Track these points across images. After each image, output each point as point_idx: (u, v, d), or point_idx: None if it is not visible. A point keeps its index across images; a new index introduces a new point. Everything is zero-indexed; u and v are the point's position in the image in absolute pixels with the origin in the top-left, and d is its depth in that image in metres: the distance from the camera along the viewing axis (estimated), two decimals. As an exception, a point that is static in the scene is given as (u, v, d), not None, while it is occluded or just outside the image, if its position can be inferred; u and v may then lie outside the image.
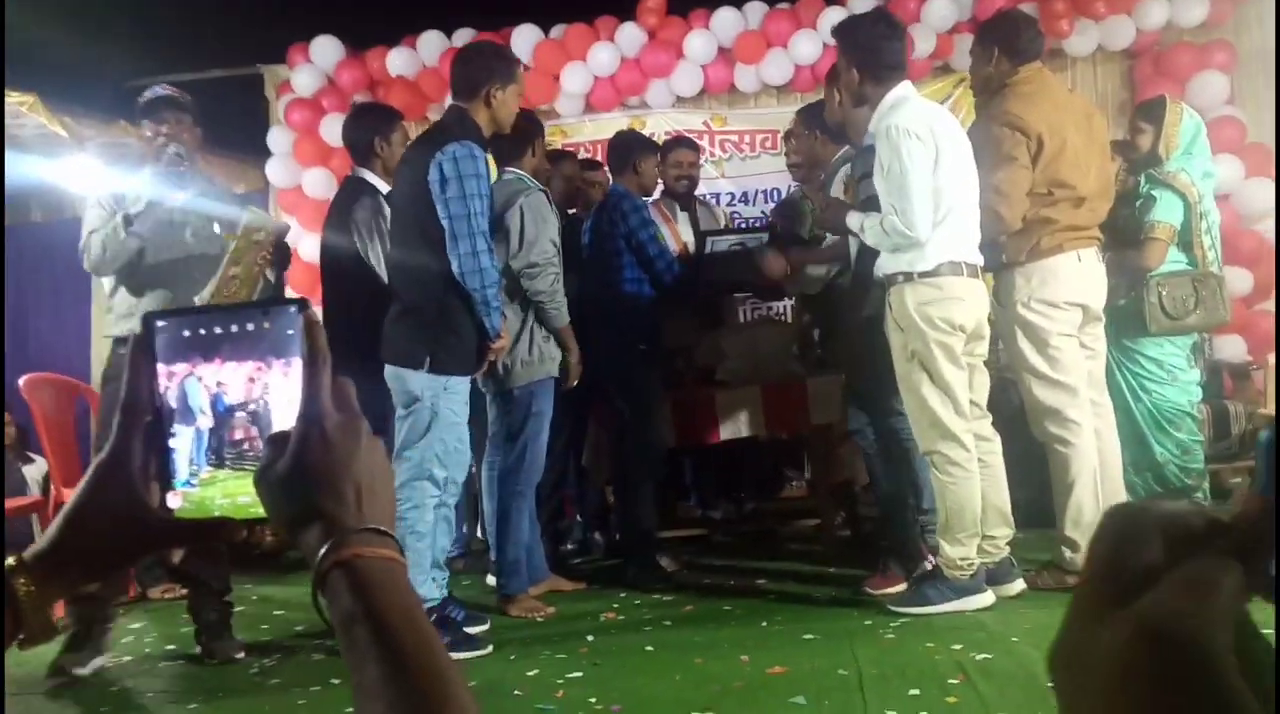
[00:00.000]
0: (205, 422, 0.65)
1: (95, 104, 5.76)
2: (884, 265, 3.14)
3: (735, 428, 4.23)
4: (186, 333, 0.65)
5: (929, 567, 3.21)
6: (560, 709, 2.50)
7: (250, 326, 0.64)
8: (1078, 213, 3.30)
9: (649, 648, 3.01)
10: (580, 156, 5.03)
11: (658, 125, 6.11)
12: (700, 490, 5.30)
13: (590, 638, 3.17)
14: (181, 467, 0.65)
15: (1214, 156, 4.34)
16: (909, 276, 3.05)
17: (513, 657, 3.04)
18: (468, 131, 3.14)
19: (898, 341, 3.11)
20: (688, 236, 4.56)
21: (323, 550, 0.56)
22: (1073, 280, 3.28)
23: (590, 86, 6.12)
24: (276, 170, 6.44)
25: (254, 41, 6.50)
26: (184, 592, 4.33)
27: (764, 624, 3.17)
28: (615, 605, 3.59)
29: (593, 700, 2.53)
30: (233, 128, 6.90)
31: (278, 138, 6.43)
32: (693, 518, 5.20)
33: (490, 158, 3.37)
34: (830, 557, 4.04)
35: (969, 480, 3.04)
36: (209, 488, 0.65)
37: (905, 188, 2.99)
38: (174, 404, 0.65)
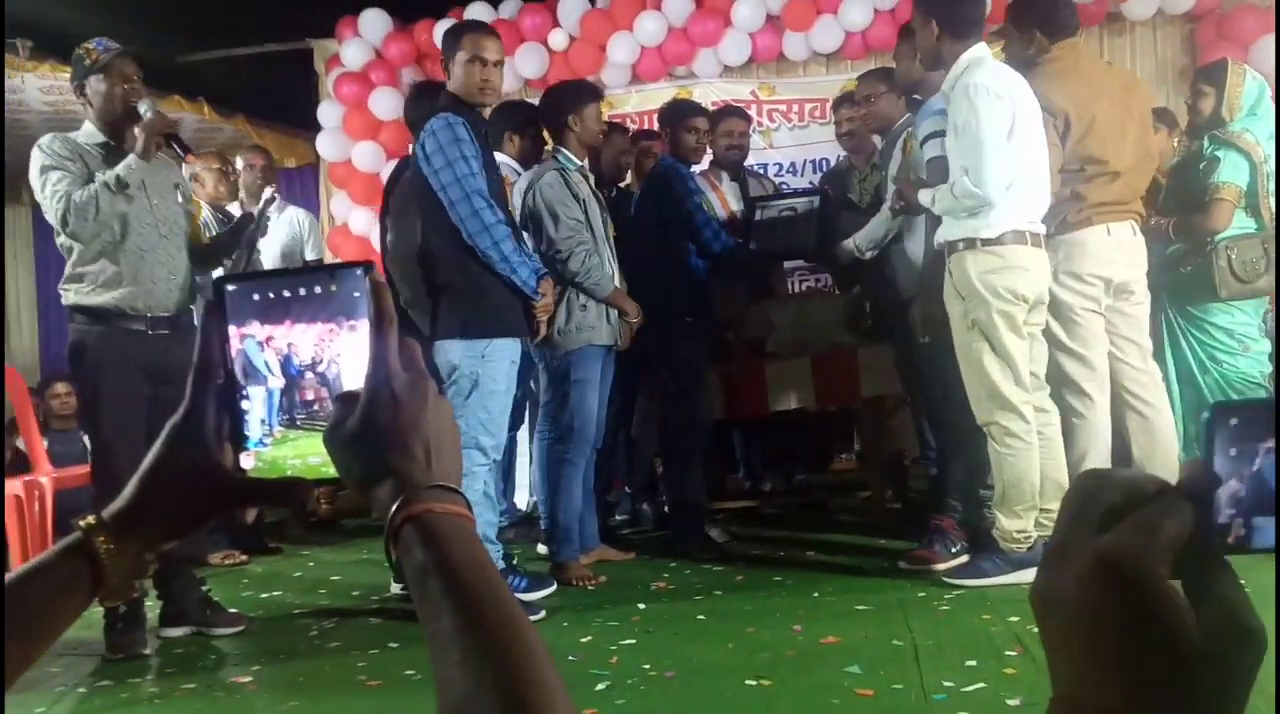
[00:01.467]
0: (276, 383, 0.66)
1: (147, 79, 5.82)
2: (946, 232, 3.10)
3: (785, 400, 4.22)
4: (256, 296, 0.66)
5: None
6: (614, 675, 2.52)
7: (318, 289, 0.65)
8: (1110, 188, 3.28)
9: (701, 616, 3.02)
10: (628, 128, 5.01)
11: (705, 95, 6.03)
12: (749, 462, 5.30)
13: (642, 606, 3.19)
14: (254, 427, 0.67)
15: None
16: (971, 243, 3.01)
17: (566, 624, 3.07)
18: (446, 106, 3.18)
19: (957, 310, 3.08)
20: (736, 206, 4.53)
21: (395, 506, 0.57)
22: (1101, 253, 3.27)
23: (637, 56, 6.08)
24: (327, 144, 6.50)
25: (304, 16, 6.53)
26: (244, 558, 4.47)
27: (815, 595, 3.17)
28: (666, 575, 3.61)
29: (646, 667, 2.55)
30: (284, 102, 6.98)
31: (328, 112, 6.49)
32: (742, 490, 5.21)
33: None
34: (881, 529, 4.02)
35: (1028, 452, 3.01)
36: (281, 448, 0.66)
37: (980, 147, 2.95)
38: (245, 366, 0.66)
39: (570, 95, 3.75)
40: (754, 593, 3.27)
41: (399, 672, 2.70)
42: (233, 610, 3.36)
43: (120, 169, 3.03)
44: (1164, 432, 3.34)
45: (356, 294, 0.64)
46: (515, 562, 3.58)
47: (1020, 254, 3.02)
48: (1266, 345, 4.04)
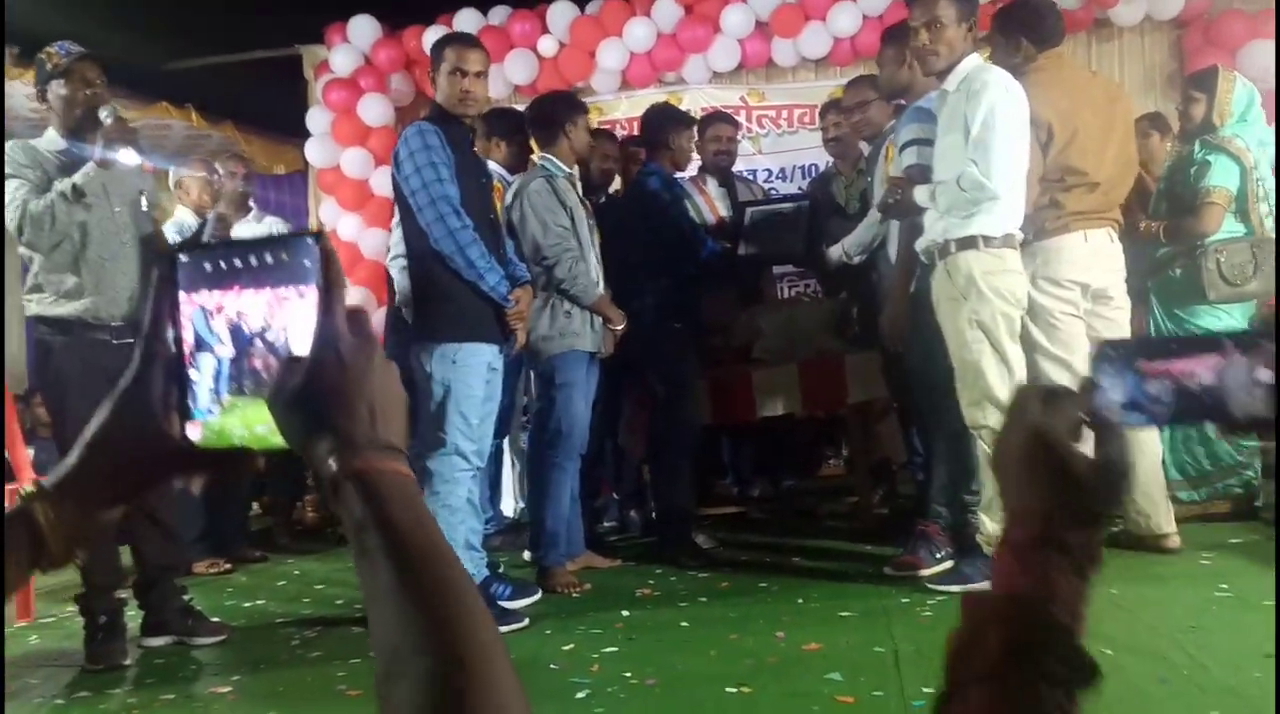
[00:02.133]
0: (225, 351, 0.66)
1: (135, 86, 5.82)
2: (945, 231, 3.06)
3: (772, 406, 4.20)
4: (207, 266, 0.66)
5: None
6: (595, 683, 2.50)
7: (269, 258, 0.65)
8: (1089, 198, 3.31)
9: (684, 623, 3.01)
10: (618, 134, 5.01)
11: (694, 101, 6.05)
12: (738, 468, 5.28)
13: (626, 613, 3.18)
14: (202, 396, 0.66)
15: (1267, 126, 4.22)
16: (973, 243, 2.99)
17: (549, 631, 3.05)
18: (429, 116, 3.26)
19: (956, 312, 3.04)
20: (725, 211, 4.53)
21: (334, 461, 0.57)
22: (1078, 259, 3.30)
23: (626, 63, 6.08)
24: (315, 150, 6.49)
25: (293, 22, 6.53)
26: (228, 566, 4.44)
27: (799, 601, 3.16)
28: (651, 582, 3.59)
29: (628, 675, 2.54)
30: (273, 108, 6.96)
31: (316, 118, 6.47)
32: (730, 496, 5.20)
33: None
34: (868, 535, 4.00)
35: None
36: (229, 417, 0.66)
37: (990, 141, 2.93)
38: (195, 334, 0.66)
39: (564, 105, 3.80)
40: (739, 599, 3.26)
41: (379, 681, 2.67)
42: (215, 619, 3.34)
43: (77, 177, 2.96)
44: (1146, 433, 3.34)
45: (308, 262, 0.63)
46: (500, 569, 3.58)
47: (1012, 258, 3.04)
48: None
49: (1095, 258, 3.33)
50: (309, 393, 0.59)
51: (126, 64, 5.93)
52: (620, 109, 6.29)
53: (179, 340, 0.66)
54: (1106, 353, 0.73)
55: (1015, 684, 0.61)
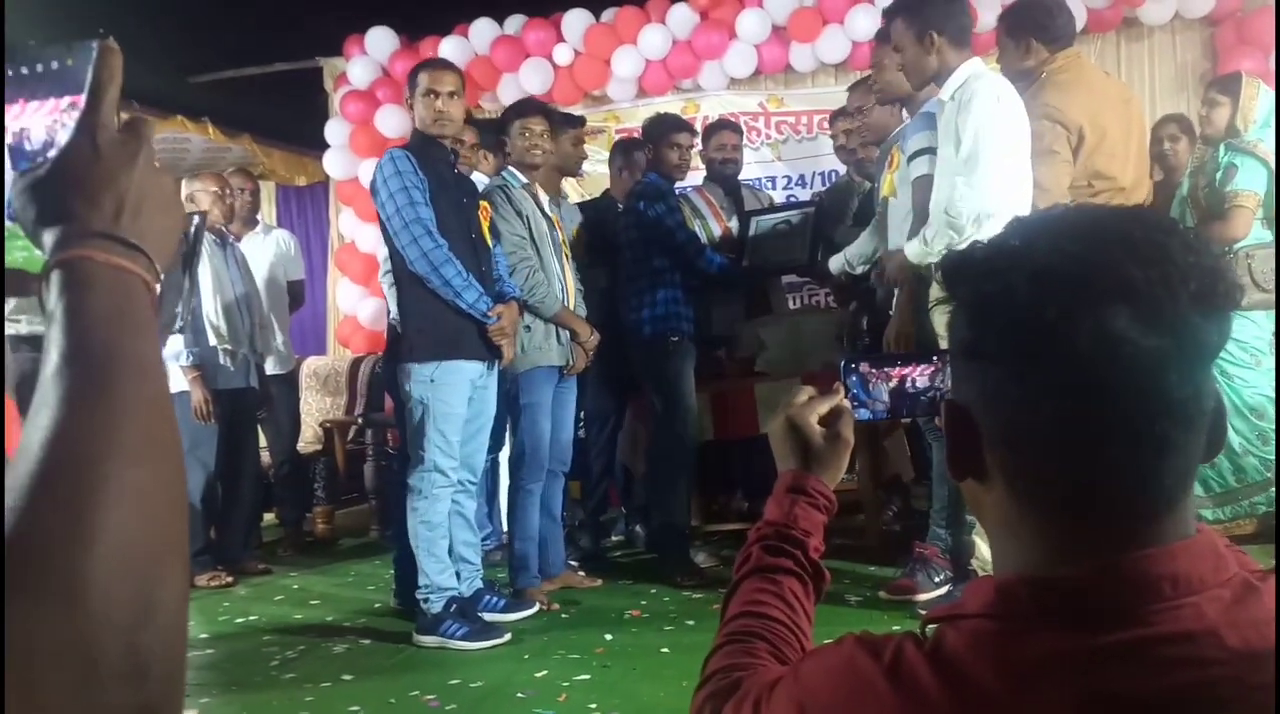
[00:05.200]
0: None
1: (153, 98, 5.88)
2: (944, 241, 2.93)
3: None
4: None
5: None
6: (559, 714, 2.42)
7: (54, 65, 0.59)
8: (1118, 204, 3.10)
9: (664, 649, 2.91)
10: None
11: (712, 108, 5.96)
12: (746, 484, 5.15)
13: (609, 637, 3.08)
14: None
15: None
16: None
17: (526, 655, 2.97)
18: (409, 141, 3.32)
19: (944, 322, 2.91)
20: (731, 221, 4.42)
21: (52, 246, 0.52)
22: None
23: (642, 70, 6.00)
24: (334, 162, 6.50)
25: (314, 34, 6.56)
26: (229, 579, 4.43)
27: (789, 626, 3.03)
28: (643, 602, 3.50)
29: (593, 706, 2.46)
30: (295, 121, 7.00)
31: (335, 130, 6.49)
32: (739, 511, 5.07)
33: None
34: (873, 554, 3.87)
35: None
36: (14, 241, 0.62)
37: (979, 156, 2.79)
38: None
39: (511, 112, 3.80)
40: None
41: (344, 708, 2.62)
42: None
43: None
44: None
45: (91, 68, 0.58)
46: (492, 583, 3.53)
47: None
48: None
49: None
50: (51, 179, 0.55)
51: (144, 78, 6.03)
52: (638, 117, 6.18)
53: None
54: (848, 365, 0.99)
55: (770, 576, 0.95)
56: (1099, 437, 0.62)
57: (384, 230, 3.24)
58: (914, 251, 2.96)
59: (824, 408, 0.98)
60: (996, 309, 0.65)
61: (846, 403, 0.98)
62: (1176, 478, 0.64)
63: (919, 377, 0.95)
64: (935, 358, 0.95)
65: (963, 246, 0.73)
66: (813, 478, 0.97)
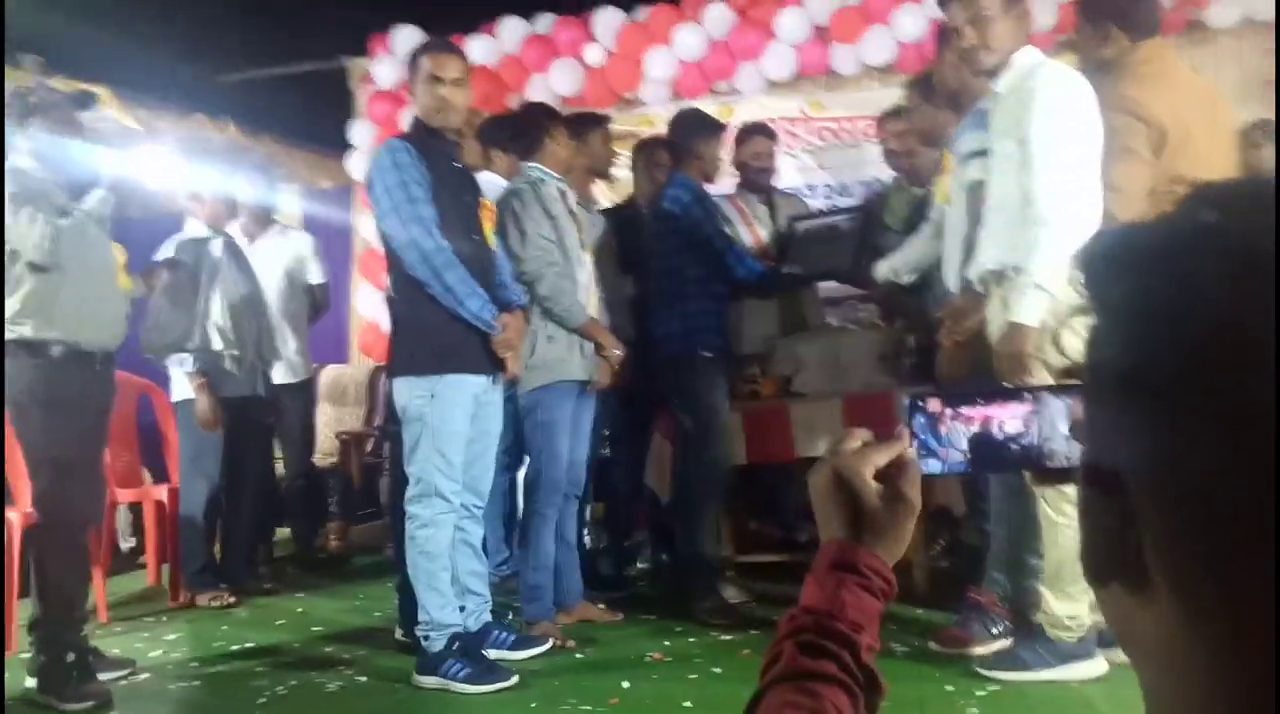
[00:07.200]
0: None
1: (172, 97, 5.71)
2: (1005, 257, 2.63)
3: (813, 445, 3.77)
4: None
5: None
6: (566, 780, 2.14)
7: None
8: None
9: (686, 704, 2.61)
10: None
11: (749, 112, 5.66)
12: (784, 511, 4.85)
13: (626, 684, 2.80)
14: None
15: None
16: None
17: (534, 703, 2.69)
18: (409, 130, 3.04)
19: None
20: (766, 231, 4.14)
21: None
22: None
23: (676, 72, 5.74)
24: (359, 164, 6.29)
25: (339, 33, 6.38)
26: (232, 599, 4.19)
27: (826, 678, 2.73)
28: (667, 643, 3.21)
29: (603, 772, 2.17)
30: (319, 122, 6.82)
31: (360, 131, 6.29)
32: (775, 541, 4.76)
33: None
34: (920, 594, 3.54)
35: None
36: None
37: (1044, 153, 2.49)
38: None
39: (542, 112, 3.59)
40: (758, 670, 2.85)
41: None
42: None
43: (94, 203, 3.03)
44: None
45: None
46: (509, 617, 3.27)
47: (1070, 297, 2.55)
48: None
49: None
50: None
51: (166, 77, 5.87)
52: (671, 121, 5.93)
53: None
54: (915, 403, 0.76)
55: (806, 686, 0.69)
56: None
57: (378, 229, 2.98)
58: (1032, 309, 2.54)
59: (883, 459, 0.75)
60: (1188, 316, 0.40)
61: (911, 452, 0.75)
62: None
63: (1008, 420, 0.73)
64: (1026, 395, 0.73)
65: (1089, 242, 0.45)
66: (865, 551, 0.73)
